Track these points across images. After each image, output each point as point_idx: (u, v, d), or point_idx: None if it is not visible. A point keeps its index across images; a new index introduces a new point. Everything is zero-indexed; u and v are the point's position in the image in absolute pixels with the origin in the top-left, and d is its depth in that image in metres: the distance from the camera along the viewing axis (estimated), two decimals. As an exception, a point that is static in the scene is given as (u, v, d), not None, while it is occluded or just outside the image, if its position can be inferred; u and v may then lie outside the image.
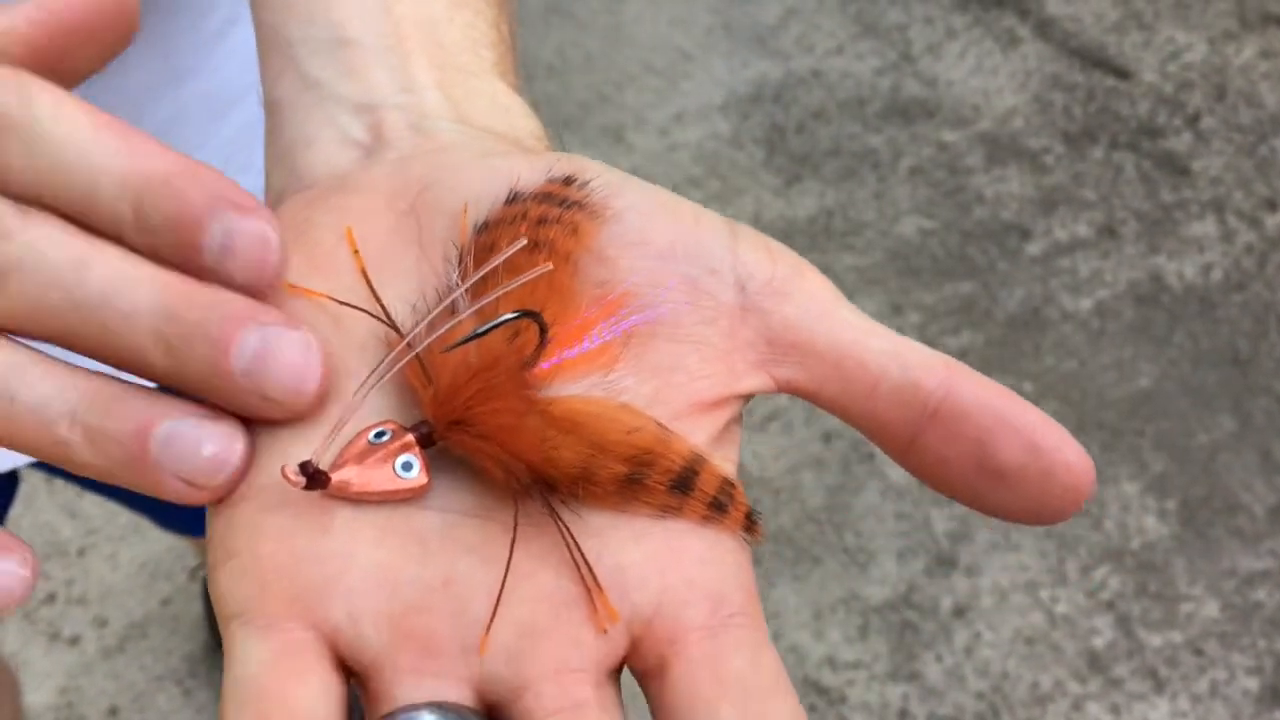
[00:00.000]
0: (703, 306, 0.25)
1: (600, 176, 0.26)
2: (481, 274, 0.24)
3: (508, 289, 0.24)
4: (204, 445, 0.22)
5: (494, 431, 0.23)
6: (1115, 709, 1.29)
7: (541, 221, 0.25)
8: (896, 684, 1.30)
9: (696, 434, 0.25)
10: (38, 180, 0.22)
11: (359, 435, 0.24)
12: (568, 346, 0.25)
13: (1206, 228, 1.66)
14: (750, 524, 0.25)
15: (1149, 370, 1.52)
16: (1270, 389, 1.51)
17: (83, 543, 1.38)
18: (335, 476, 0.23)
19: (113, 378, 0.23)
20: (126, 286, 0.22)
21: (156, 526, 0.87)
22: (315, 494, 0.23)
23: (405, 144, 0.28)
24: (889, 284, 1.59)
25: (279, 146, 0.29)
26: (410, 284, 0.25)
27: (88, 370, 0.22)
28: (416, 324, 0.24)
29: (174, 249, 0.22)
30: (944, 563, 1.38)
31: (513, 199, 0.26)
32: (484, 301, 0.24)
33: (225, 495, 0.23)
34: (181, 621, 1.35)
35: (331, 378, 0.24)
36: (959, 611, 1.35)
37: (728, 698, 0.22)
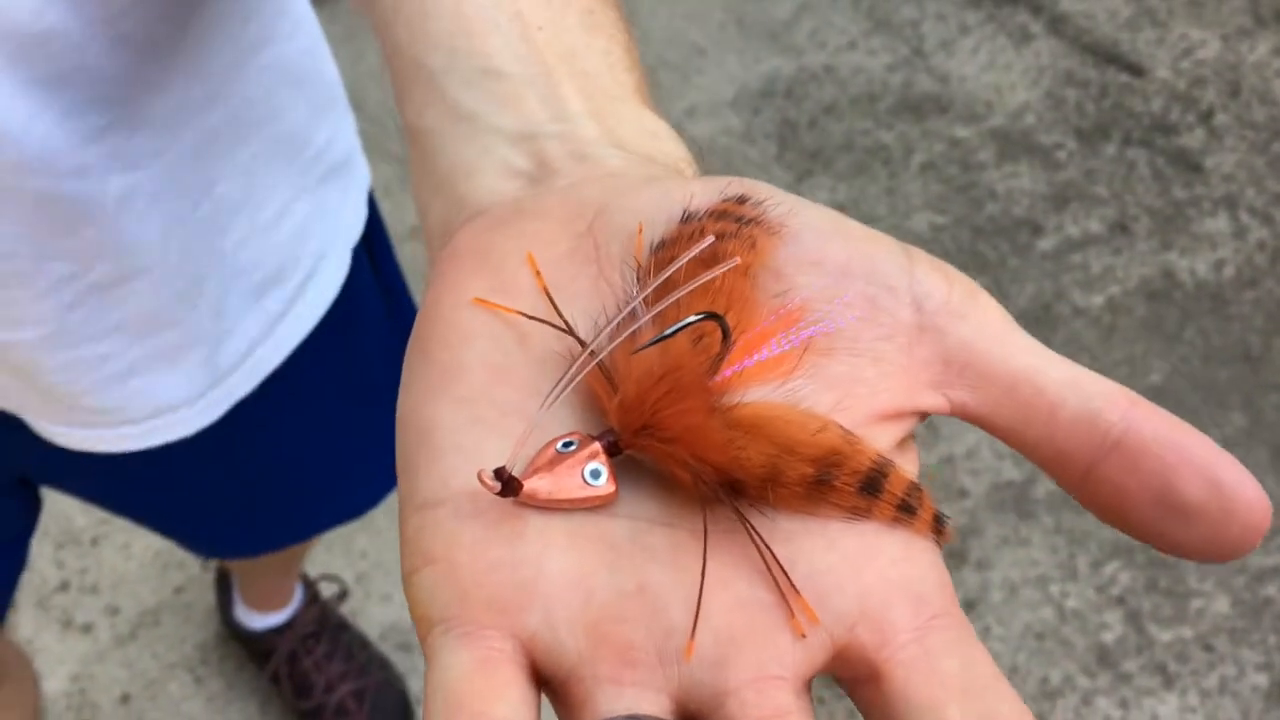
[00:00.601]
0: (880, 322, 0.25)
1: (773, 197, 0.26)
2: (663, 278, 0.24)
3: (692, 286, 0.24)
4: None
5: (680, 434, 0.23)
6: (1124, 704, 1.29)
7: (720, 237, 0.25)
8: (906, 677, 1.30)
9: (878, 442, 0.25)
10: None
11: (547, 445, 0.24)
12: (748, 354, 0.25)
13: (1219, 224, 1.65)
14: (939, 526, 0.24)
15: (1160, 366, 1.52)
16: (1282, 386, 1.51)
17: (96, 532, 1.38)
18: (526, 484, 0.23)
19: None
20: None
21: (189, 552, 0.89)
22: (507, 502, 0.23)
23: (572, 171, 0.28)
24: (900, 279, 1.59)
25: (435, 176, 0.30)
26: (591, 301, 0.26)
27: None
28: (598, 334, 0.25)
29: None
30: (954, 556, 1.38)
31: (688, 218, 0.26)
32: (666, 303, 0.24)
33: None
34: (194, 610, 1.36)
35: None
36: (969, 605, 1.35)
37: (953, 701, 0.22)
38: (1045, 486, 1.42)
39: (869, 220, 1.69)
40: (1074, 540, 1.39)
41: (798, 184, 1.70)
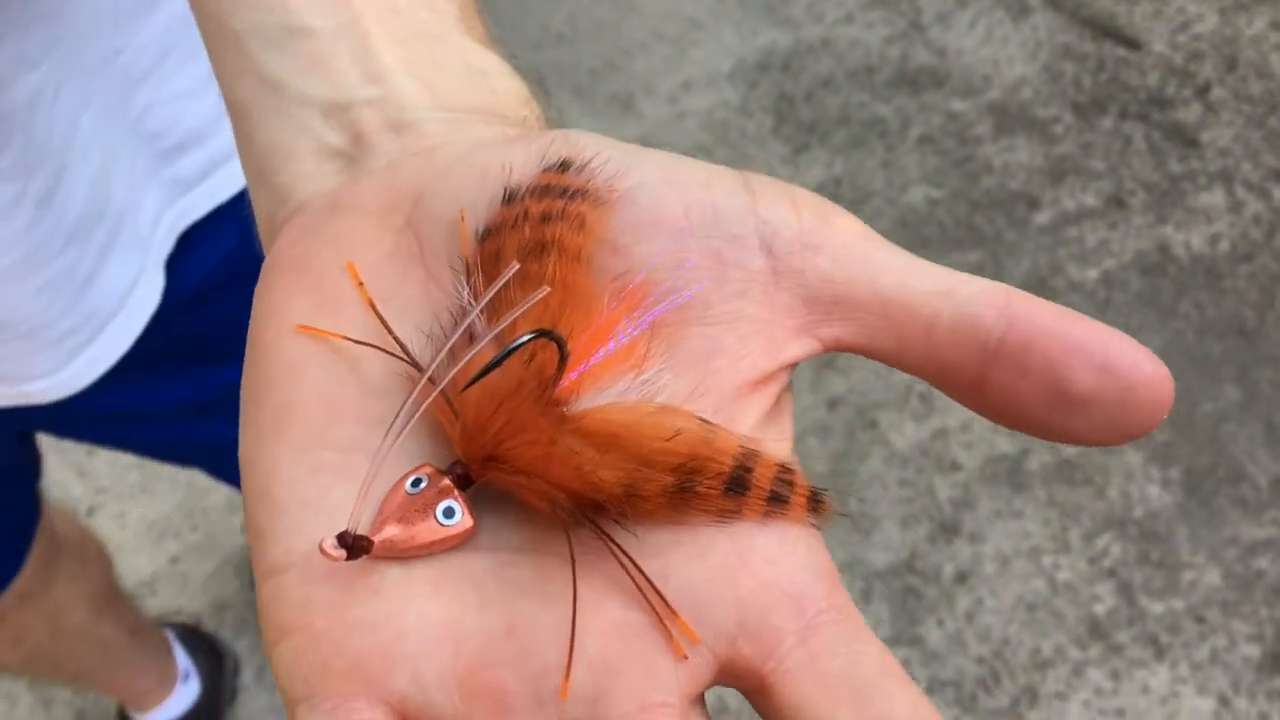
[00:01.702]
0: (731, 279, 0.24)
1: (600, 154, 0.24)
2: (489, 296, 0.23)
3: (515, 315, 0.22)
4: None
5: (529, 464, 0.22)
6: (1115, 675, 1.29)
7: (545, 218, 0.24)
8: (898, 648, 1.31)
9: (747, 416, 0.24)
10: None
11: (395, 486, 0.23)
12: (593, 351, 0.23)
13: (1214, 198, 1.65)
14: (816, 504, 0.23)
15: (1155, 340, 1.52)
16: (1276, 359, 1.51)
17: (92, 501, 1.39)
18: (378, 538, 0.22)
19: None
20: None
21: (212, 478, 0.89)
22: (358, 560, 0.22)
23: (388, 146, 0.26)
24: (896, 253, 1.59)
25: (254, 159, 0.28)
26: (422, 309, 0.24)
27: None
28: (434, 357, 0.23)
29: None
30: (947, 529, 1.38)
31: (510, 197, 0.24)
32: (500, 327, 0.23)
33: None
34: (190, 579, 1.36)
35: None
36: (961, 577, 1.35)
37: (841, 704, 0.21)
38: (1039, 459, 1.43)
39: (864, 194, 1.70)
40: (1066, 513, 1.39)
41: (795, 157, 1.70)
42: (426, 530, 0.22)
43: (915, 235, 1.61)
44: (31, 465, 0.82)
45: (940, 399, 1.48)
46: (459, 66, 0.28)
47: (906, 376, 1.48)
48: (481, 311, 0.23)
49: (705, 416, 0.23)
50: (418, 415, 0.22)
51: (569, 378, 0.23)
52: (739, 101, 1.76)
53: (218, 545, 1.38)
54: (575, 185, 0.24)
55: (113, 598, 1.05)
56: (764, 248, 0.24)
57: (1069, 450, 1.43)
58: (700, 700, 0.22)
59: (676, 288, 0.24)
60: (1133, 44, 1.81)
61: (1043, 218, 1.64)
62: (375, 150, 0.26)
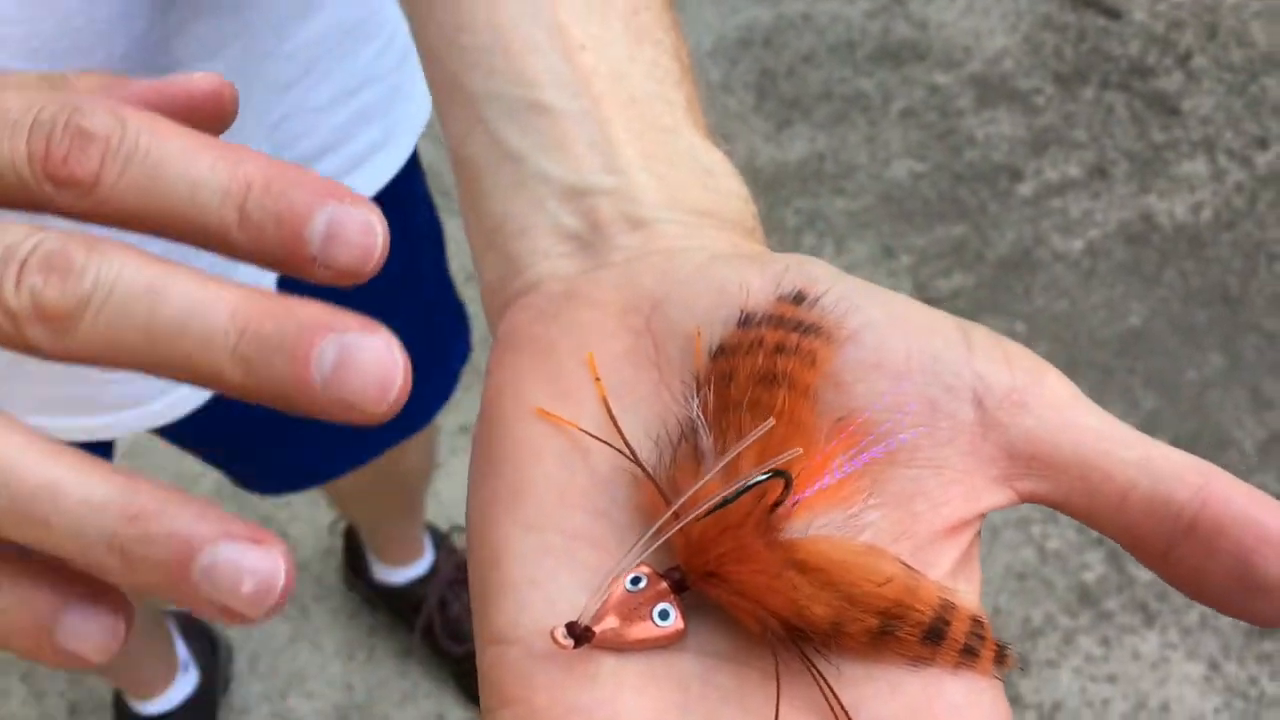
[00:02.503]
0: (941, 428, 0.25)
1: (832, 289, 0.26)
2: (734, 454, 0.24)
3: (744, 445, 0.24)
4: (244, 580, 0.20)
5: (746, 589, 0.24)
6: (1105, 641, 1.30)
7: (779, 349, 0.25)
8: (890, 621, 1.32)
9: (941, 561, 0.25)
10: (138, 198, 0.22)
11: (615, 583, 0.24)
12: (811, 482, 0.25)
13: (1197, 167, 1.66)
14: (1001, 658, 0.24)
15: (1139, 309, 1.53)
16: (1260, 326, 1.52)
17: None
18: (598, 629, 0.23)
19: (155, 484, 0.22)
20: (201, 309, 0.21)
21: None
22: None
23: (624, 240, 0.28)
24: (881, 227, 1.60)
25: (487, 225, 0.29)
26: (650, 411, 0.26)
27: (126, 477, 0.21)
28: (660, 458, 0.25)
29: (278, 244, 0.22)
30: (936, 501, 1.39)
31: (746, 321, 0.26)
32: (730, 456, 0.24)
33: (265, 620, 0.23)
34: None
35: (407, 383, 0.23)
36: (951, 549, 1.36)
37: None
38: (1026, 430, 1.43)
39: (847, 169, 1.70)
40: (1055, 482, 1.40)
41: (777, 133, 1.70)
42: (642, 629, 0.24)
43: (899, 209, 1.61)
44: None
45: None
46: (690, 164, 0.29)
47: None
48: (709, 429, 0.25)
49: (905, 559, 0.24)
50: (658, 544, 0.24)
51: (789, 506, 0.24)
52: (721, 78, 1.75)
53: (208, 533, 1.38)
54: (809, 321, 0.25)
55: None
56: (976, 400, 0.25)
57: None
58: None
59: (893, 431, 0.25)
60: (1113, 13, 1.81)
61: (1026, 189, 1.64)
62: (612, 243, 0.28)
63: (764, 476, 0.23)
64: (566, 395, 0.26)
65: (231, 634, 1.32)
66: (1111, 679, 1.28)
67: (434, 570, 1.24)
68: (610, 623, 0.24)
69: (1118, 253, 1.58)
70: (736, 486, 0.23)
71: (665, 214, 0.28)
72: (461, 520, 1.33)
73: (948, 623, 0.24)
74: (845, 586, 0.24)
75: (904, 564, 0.24)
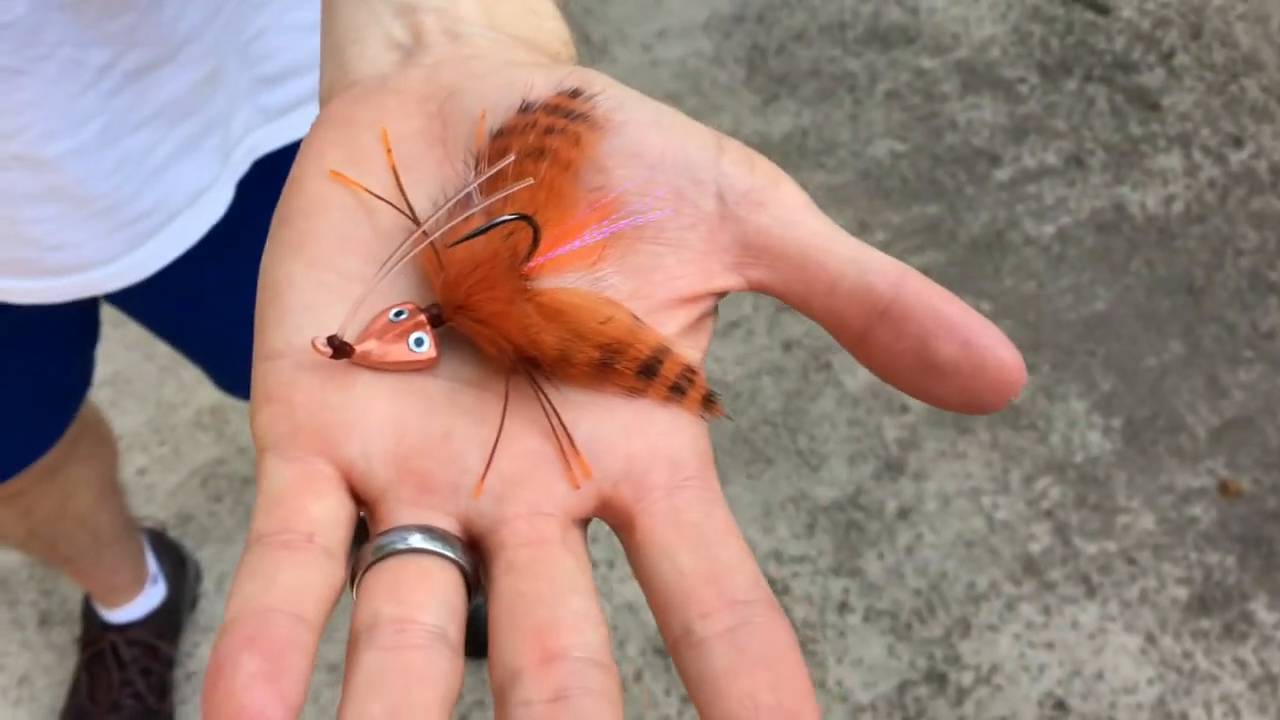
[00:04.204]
0: (685, 214, 0.28)
1: (605, 91, 0.29)
2: (485, 178, 0.28)
3: (505, 194, 0.27)
4: None
5: (489, 317, 0.27)
6: (1046, 610, 1.34)
7: (549, 131, 0.28)
8: (838, 578, 1.36)
9: (670, 325, 0.28)
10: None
11: (380, 314, 0.28)
12: (561, 244, 0.28)
13: (1172, 161, 1.69)
14: (709, 403, 0.28)
15: (1104, 295, 1.56)
16: (1221, 317, 1.55)
17: (63, 415, 1.42)
18: (359, 347, 0.27)
19: None
20: None
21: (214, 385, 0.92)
22: (341, 361, 0.27)
23: (440, 49, 0.31)
24: (858, 203, 1.63)
25: (332, 40, 0.33)
26: (433, 180, 0.29)
27: None
28: (433, 217, 0.28)
29: None
30: (892, 468, 1.43)
31: (525, 108, 0.29)
32: (490, 201, 0.28)
33: None
34: (156, 491, 1.40)
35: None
36: (903, 513, 1.40)
37: (686, 543, 0.25)
38: (985, 405, 1.47)
39: (830, 145, 1.74)
40: (1009, 456, 1.44)
41: (764, 107, 1.73)
42: (398, 351, 0.27)
43: (877, 187, 1.65)
44: (92, 331, 0.85)
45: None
46: (518, 1, 0.33)
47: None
48: (479, 189, 0.28)
49: (638, 315, 0.28)
50: (409, 257, 0.28)
51: (538, 259, 0.28)
52: (712, 51, 1.79)
53: (183, 459, 1.42)
54: (579, 109, 0.29)
55: (114, 488, 1.10)
56: (718, 195, 0.28)
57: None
58: (582, 525, 0.27)
59: (640, 210, 0.28)
60: (1102, 9, 1.85)
61: (1003, 174, 1.67)
62: (429, 49, 0.31)
63: (511, 217, 0.27)
64: (359, 162, 0.29)
65: (201, 555, 1.36)
66: (1049, 646, 1.32)
67: None
68: (370, 345, 0.27)
69: (1088, 240, 1.62)
70: (487, 226, 0.27)
71: (480, 31, 0.32)
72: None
73: (660, 362, 0.28)
74: (573, 322, 0.28)
75: (633, 315, 0.28)
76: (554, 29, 0.34)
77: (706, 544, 0.25)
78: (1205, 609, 1.34)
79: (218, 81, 0.60)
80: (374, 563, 0.25)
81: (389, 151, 0.30)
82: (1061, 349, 1.52)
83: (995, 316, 1.51)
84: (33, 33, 0.49)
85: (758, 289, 0.29)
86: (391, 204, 0.29)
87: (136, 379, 1.48)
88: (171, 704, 1.25)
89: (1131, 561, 1.37)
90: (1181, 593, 1.35)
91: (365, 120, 0.30)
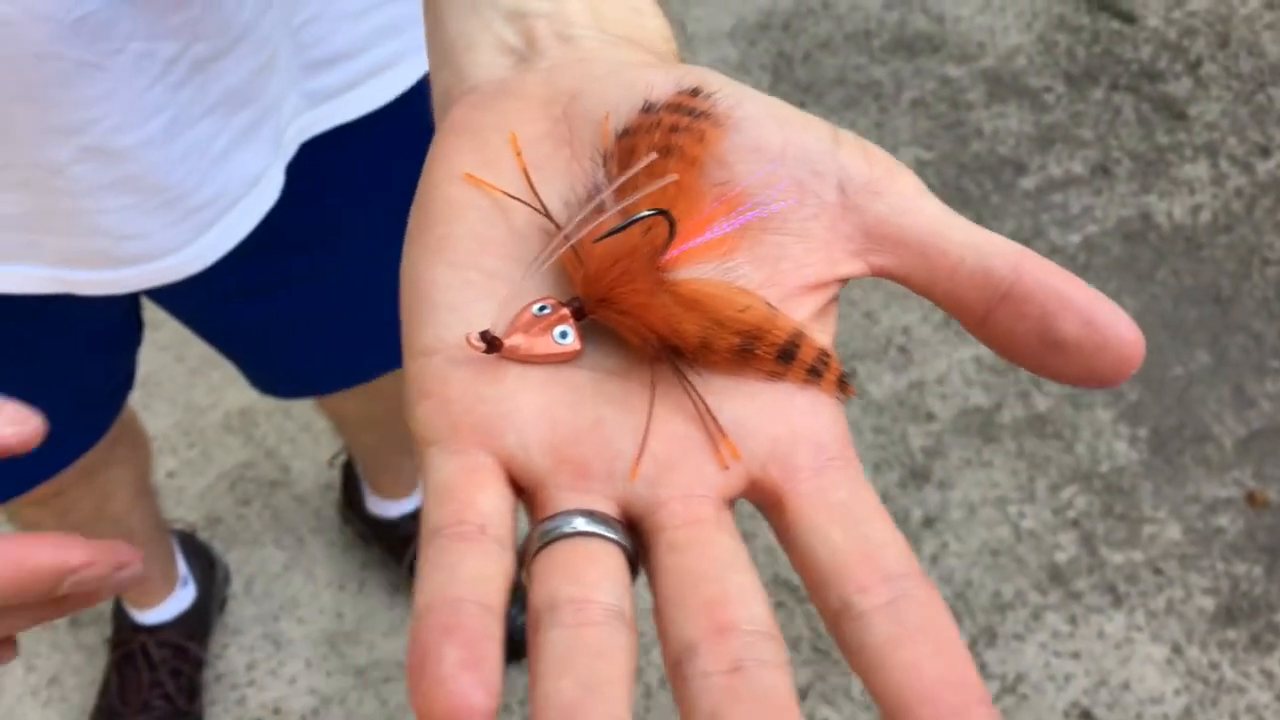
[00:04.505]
0: (808, 204, 0.29)
1: (723, 89, 0.30)
2: (625, 179, 0.29)
3: (645, 192, 0.28)
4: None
5: (631, 308, 0.28)
6: (1073, 619, 1.34)
7: (673, 129, 0.29)
8: (864, 586, 1.35)
9: (800, 311, 0.29)
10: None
11: (524, 309, 0.29)
12: (693, 237, 0.29)
13: (1199, 170, 1.69)
14: (843, 385, 0.29)
15: (1131, 304, 1.56)
16: (1248, 327, 1.55)
17: (94, 417, 1.44)
18: (507, 342, 0.28)
19: None
20: None
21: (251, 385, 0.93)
22: (491, 355, 0.28)
23: (554, 53, 0.32)
24: (884, 211, 1.63)
25: (442, 44, 0.34)
26: (563, 181, 0.30)
27: None
28: (570, 217, 0.29)
29: None
30: (917, 476, 1.43)
31: (648, 108, 0.30)
32: (626, 202, 0.29)
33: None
34: (185, 494, 1.41)
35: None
36: (928, 522, 1.40)
37: (836, 522, 0.26)
38: (1011, 413, 1.47)
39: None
40: (1034, 465, 1.44)
41: (789, 116, 1.74)
42: (544, 344, 0.29)
43: (903, 195, 1.65)
44: (136, 331, 0.85)
45: (918, 352, 1.52)
46: (621, 2, 0.34)
47: (887, 329, 1.52)
48: (614, 190, 0.29)
49: (770, 302, 0.29)
50: (553, 258, 0.29)
51: (674, 251, 0.29)
52: (738, 59, 1.80)
53: (212, 462, 1.43)
54: (701, 108, 0.30)
55: (148, 490, 1.11)
56: (838, 186, 0.30)
57: (1041, 405, 1.48)
58: (731, 505, 0.28)
59: (765, 202, 0.30)
60: (1128, 18, 1.85)
61: (1029, 183, 1.67)
62: (543, 54, 0.32)
63: (651, 213, 0.28)
64: (490, 165, 0.30)
65: (229, 558, 1.37)
66: (1075, 655, 1.32)
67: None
68: (517, 339, 0.29)
69: (1114, 249, 1.62)
70: (628, 221, 0.28)
71: (590, 34, 0.33)
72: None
73: (798, 346, 0.29)
74: (713, 311, 0.29)
75: (767, 302, 0.29)
76: (656, 27, 0.35)
77: (856, 522, 0.26)
78: (1232, 619, 1.34)
79: (271, 69, 0.61)
80: (541, 548, 0.26)
81: (519, 154, 0.31)
82: (1087, 358, 1.51)
83: (1021, 325, 1.51)
84: (106, 27, 0.51)
85: (881, 274, 0.30)
86: (528, 204, 0.30)
87: (167, 381, 1.49)
88: (201, 705, 1.26)
89: (1158, 571, 1.37)
90: (1208, 603, 1.35)
91: (492, 125, 0.31)
